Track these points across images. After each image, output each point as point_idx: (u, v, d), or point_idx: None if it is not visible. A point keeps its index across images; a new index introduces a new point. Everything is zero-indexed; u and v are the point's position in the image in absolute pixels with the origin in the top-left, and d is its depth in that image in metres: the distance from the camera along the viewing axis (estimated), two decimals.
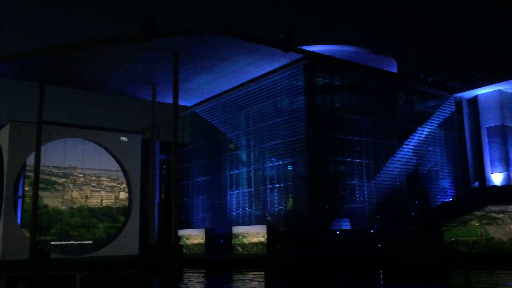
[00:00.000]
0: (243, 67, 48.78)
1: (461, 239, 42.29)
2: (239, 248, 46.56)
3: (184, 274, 30.74)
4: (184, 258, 40.16)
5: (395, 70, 63.96)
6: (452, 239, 42.01)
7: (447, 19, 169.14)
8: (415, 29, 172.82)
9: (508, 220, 42.14)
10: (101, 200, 55.77)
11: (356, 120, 50.73)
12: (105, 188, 56.24)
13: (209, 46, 43.64)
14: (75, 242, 52.95)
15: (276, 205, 49.75)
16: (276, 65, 48.44)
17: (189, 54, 44.67)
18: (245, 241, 46.06)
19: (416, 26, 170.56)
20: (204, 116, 59.87)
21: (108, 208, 56.00)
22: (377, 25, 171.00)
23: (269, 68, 49.13)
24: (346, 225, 46.25)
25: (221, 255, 45.01)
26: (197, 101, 59.57)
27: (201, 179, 59.41)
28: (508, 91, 57.37)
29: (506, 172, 55.72)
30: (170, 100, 47.92)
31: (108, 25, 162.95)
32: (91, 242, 53.74)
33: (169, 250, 39.38)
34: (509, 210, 43.22)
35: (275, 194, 49.86)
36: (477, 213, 43.25)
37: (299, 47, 48.57)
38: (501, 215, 42.70)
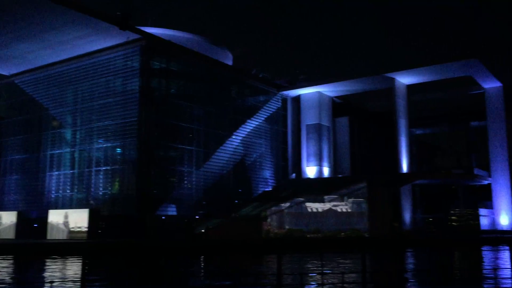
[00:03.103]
0: (74, 40, 45.45)
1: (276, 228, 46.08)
2: (56, 233, 43.47)
3: None
4: None
5: (230, 63, 66.28)
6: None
7: (286, 19, 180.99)
8: (254, 24, 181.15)
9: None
10: None
11: (189, 107, 51.29)
12: None
13: (34, 11, 39.56)
14: None
15: (101, 189, 47.68)
16: (111, 42, 46.23)
17: (9, 17, 39.91)
18: (63, 225, 43.20)
19: (257, 22, 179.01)
20: (24, 88, 54.17)
21: None
22: (218, 17, 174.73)
23: (103, 44, 46.64)
24: (172, 211, 46.64)
25: (32, 241, 41.47)
26: (17, 70, 53.63)
27: (17, 157, 53.82)
28: (326, 93, 64.11)
29: (319, 166, 62.35)
30: None
31: None
32: None
33: None
34: (321, 201, 48.48)
35: (101, 177, 47.74)
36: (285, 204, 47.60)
37: (137, 27, 47.08)
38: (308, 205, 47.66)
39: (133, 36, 45.04)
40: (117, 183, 47.18)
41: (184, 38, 57.13)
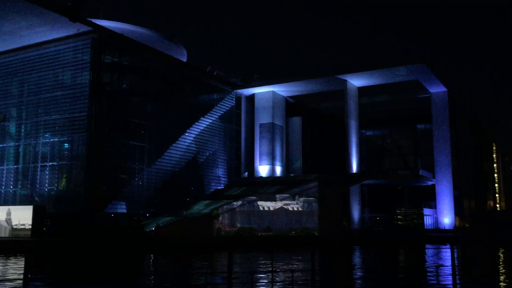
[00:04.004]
0: (21, 30, 43.55)
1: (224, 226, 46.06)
2: None
3: None
4: None
5: (185, 59, 65.61)
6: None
7: (242, 18, 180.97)
8: (210, 22, 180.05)
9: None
10: None
11: (142, 103, 50.34)
12: None
13: None
14: None
15: (47, 185, 45.97)
16: (61, 34, 44.61)
17: None
18: (6, 223, 41.29)
19: (214, 20, 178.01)
20: None
21: None
22: (174, 13, 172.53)
23: (52, 35, 44.94)
24: (122, 209, 45.65)
25: None
26: None
27: None
28: (280, 93, 64.72)
29: (271, 165, 62.88)
30: None
31: None
32: None
33: None
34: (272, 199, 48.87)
35: (47, 173, 46.04)
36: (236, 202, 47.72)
37: (88, 19, 45.71)
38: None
39: (84, 28, 43.70)
40: (64, 180, 45.63)
41: (138, 33, 55.99)
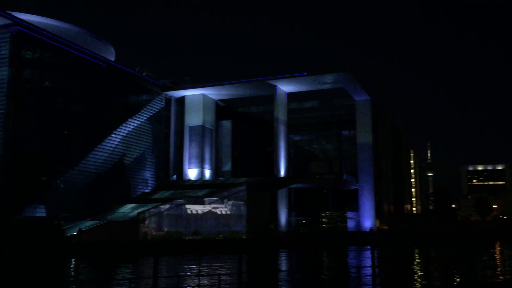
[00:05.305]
0: None
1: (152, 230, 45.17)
2: None
3: None
4: None
5: (113, 58, 63.65)
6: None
7: (174, 20, 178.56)
8: (141, 22, 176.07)
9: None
10: None
11: (66, 102, 48.15)
12: None
13: None
14: None
15: None
16: None
17: None
18: None
19: (145, 20, 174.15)
20: None
21: None
22: (103, 10, 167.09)
23: None
24: (42, 212, 43.33)
25: None
26: None
27: None
28: (210, 96, 64.58)
29: (201, 168, 62.52)
30: None
31: None
32: None
33: None
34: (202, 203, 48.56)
35: None
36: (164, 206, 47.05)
37: (8, 11, 43.10)
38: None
39: (2, 21, 41.13)
40: None
41: (63, 29, 53.48)
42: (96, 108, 51.28)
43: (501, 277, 20.57)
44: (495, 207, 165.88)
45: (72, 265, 26.54)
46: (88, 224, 42.85)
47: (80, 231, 39.72)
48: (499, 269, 23.05)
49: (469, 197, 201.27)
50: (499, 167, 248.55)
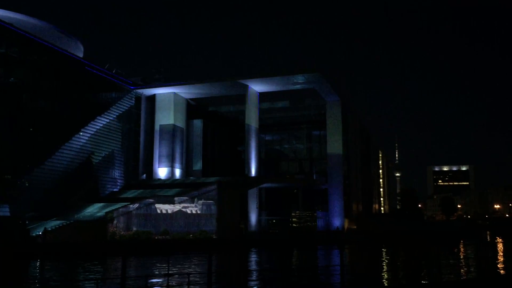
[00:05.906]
0: None
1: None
2: None
3: None
4: None
5: (81, 55, 62.40)
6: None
7: (143, 18, 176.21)
8: (112, 19, 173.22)
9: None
10: None
11: (31, 98, 46.87)
12: None
13: None
14: None
15: None
16: None
17: None
18: None
19: (115, 17, 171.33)
20: None
21: None
22: (72, 6, 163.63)
23: None
24: (5, 211, 42.09)
25: None
26: None
27: None
28: (181, 94, 64.07)
29: (171, 168, 61.97)
30: None
31: None
32: None
33: None
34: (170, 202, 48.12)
35: None
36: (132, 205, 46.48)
37: None
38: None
39: None
40: None
41: (30, 24, 52.12)
42: (64, 105, 50.19)
43: (464, 276, 21.18)
44: (459, 207, 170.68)
45: (37, 266, 25.90)
46: (54, 223, 41.89)
47: (45, 231, 38.78)
48: (464, 269, 23.73)
49: (435, 197, 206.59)
50: (464, 168, 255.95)
